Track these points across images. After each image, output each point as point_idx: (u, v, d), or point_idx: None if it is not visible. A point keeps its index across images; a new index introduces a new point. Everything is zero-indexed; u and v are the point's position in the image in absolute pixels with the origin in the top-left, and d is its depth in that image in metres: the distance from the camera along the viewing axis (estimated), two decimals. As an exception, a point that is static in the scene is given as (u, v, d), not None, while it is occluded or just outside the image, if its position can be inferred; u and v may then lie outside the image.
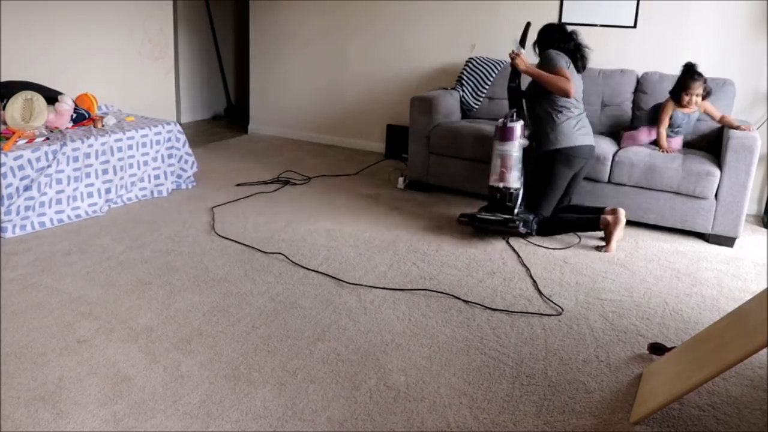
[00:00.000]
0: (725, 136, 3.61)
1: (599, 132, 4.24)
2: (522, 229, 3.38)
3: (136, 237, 3.34)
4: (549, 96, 3.45)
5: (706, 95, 3.73)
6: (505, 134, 3.41)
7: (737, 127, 3.60)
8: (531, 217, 3.47)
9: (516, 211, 3.46)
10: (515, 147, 3.41)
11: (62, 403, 1.97)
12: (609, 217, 3.43)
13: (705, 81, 3.70)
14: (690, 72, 3.69)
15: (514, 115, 3.48)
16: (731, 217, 3.54)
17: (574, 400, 2.11)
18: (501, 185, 3.45)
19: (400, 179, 4.51)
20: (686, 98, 3.70)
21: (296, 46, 5.71)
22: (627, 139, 3.91)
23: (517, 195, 3.46)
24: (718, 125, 3.88)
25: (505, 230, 3.42)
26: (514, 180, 3.44)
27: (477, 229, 3.52)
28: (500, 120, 3.48)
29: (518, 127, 3.41)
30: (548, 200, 3.50)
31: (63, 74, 4.50)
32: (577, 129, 3.44)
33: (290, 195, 4.18)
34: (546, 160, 3.47)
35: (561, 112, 3.44)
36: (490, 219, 3.43)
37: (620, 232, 3.45)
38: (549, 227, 3.52)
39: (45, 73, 4.32)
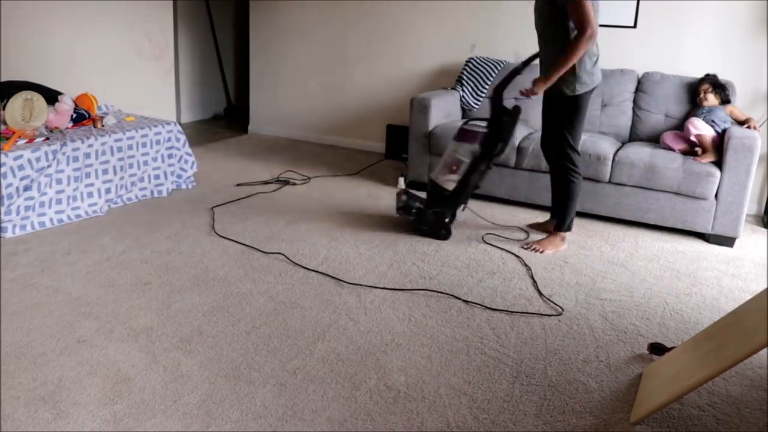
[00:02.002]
0: (725, 137, 3.61)
1: (599, 131, 4.24)
2: (420, 229, 3.52)
3: (136, 237, 3.34)
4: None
5: (720, 93, 3.89)
6: (464, 136, 3.40)
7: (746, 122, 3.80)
8: (447, 220, 3.51)
9: (442, 207, 3.49)
10: (468, 151, 3.39)
11: (62, 403, 1.97)
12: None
13: (714, 82, 3.92)
14: (700, 79, 4.01)
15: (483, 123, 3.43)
16: (731, 217, 3.54)
17: (574, 400, 2.11)
18: (435, 178, 3.51)
19: (400, 179, 4.49)
20: (698, 98, 3.94)
21: (296, 46, 5.71)
22: (664, 140, 3.95)
23: (446, 197, 3.47)
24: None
25: (409, 216, 3.53)
26: (449, 182, 3.44)
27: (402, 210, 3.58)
28: (467, 121, 3.46)
29: (481, 133, 3.37)
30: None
31: (63, 74, 4.50)
32: (596, 65, 3.24)
33: (290, 195, 4.18)
34: (575, 102, 3.25)
35: (588, 56, 3.21)
36: (408, 205, 3.52)
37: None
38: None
39: (45, 73, 4.32)
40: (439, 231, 3.49)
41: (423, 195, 3.68)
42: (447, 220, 3.50)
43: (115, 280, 2.83)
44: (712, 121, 3.76)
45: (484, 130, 3.39)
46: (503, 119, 3.37)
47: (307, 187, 4.37)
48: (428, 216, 3.49)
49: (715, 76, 3.99)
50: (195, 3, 6.32)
